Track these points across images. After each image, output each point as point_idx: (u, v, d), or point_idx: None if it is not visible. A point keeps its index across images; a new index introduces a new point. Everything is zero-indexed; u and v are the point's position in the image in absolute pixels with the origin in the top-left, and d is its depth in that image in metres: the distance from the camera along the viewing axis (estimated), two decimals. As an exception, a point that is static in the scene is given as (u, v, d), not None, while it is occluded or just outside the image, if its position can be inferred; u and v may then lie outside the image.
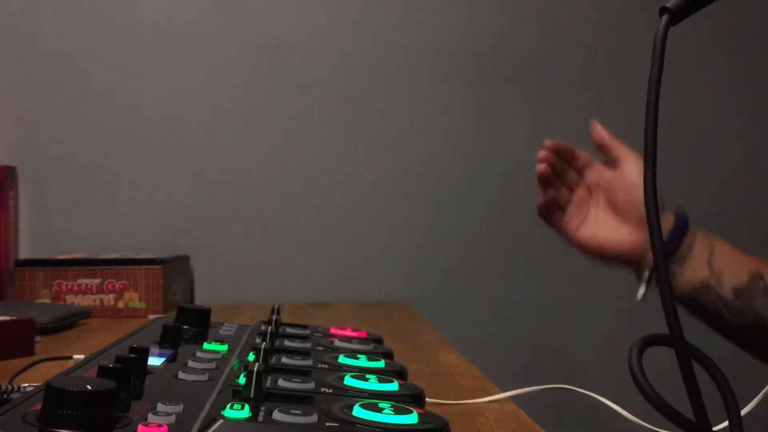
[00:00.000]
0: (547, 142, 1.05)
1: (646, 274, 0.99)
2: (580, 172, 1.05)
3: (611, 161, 1.03)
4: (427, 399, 0.63)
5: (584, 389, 0.94)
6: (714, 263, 0.97)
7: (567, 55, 1.88)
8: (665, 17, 0.57)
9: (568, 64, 1.88)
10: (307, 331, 0.85)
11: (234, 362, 0.68)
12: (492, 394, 0.86)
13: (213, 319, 0.86)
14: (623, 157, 1.02)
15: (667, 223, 0.99)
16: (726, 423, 0.52)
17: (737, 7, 1.90)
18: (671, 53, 0.59)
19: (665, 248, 0.95)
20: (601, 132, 1.05)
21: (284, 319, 0.86)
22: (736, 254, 0.98)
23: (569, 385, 0.95)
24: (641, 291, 0.98)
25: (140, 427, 0.46)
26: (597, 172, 1.03)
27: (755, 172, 1.88)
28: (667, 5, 0.57)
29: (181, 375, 0.61)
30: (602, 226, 1.01)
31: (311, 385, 0.59)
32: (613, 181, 1.01)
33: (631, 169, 1.01)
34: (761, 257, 0.98)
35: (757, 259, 0.97)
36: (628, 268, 1.02)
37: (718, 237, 0.99)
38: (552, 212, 1.04)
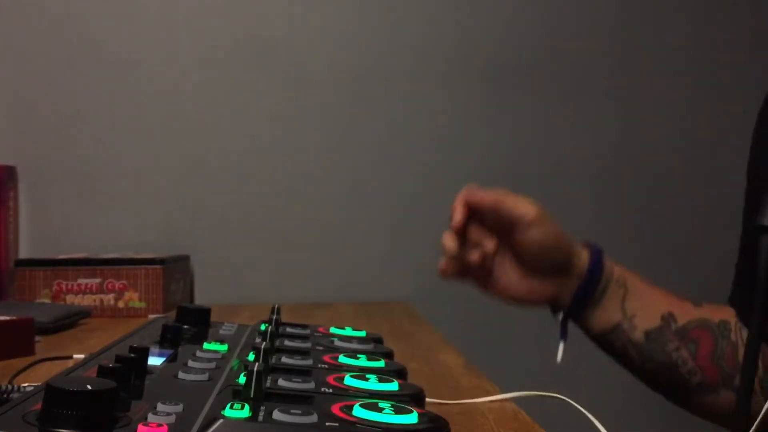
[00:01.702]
0: (462, 199, 0.98)
1: (560, 317, 0.97)
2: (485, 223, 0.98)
3: (505, 216, 0.95)
4: (427, 399, 0.63)
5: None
6: (627, 305, 0.94)
7: (567, 56, 1.88)
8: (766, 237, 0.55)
9: (568, 66, 1.88)
10: (307, 331, 0.85)
11: (234, 362, 0.68)
12: (492, 394, 0.86)
13: (213, 319, 0.86)
14: (513, 207, 0.94)
15: (582, 260, 0.95)
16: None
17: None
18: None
19: (579, 295, 0.94)
20: (478, 196, 0.97)
21: (284, 319, 0.86)
22: (649, 293, 0.95)
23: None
24: (560, 354, 0.98)
25: (140, 426, 0.46)
26: (498, 231, 0.97)
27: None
28: (765, 224, 0.56)
29: (181, 375, 0.61)
30: (511, 279, 0.97)
31: (311, 385, 0.59)
32: (516, 232, 0.94)
33: (526, 209, 0.94)
34: (675, 294, 0.95)
35: (671, 296, 0.95)
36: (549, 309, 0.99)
37: (631, 273, 0.96)
38: (459, 273, 0.99)
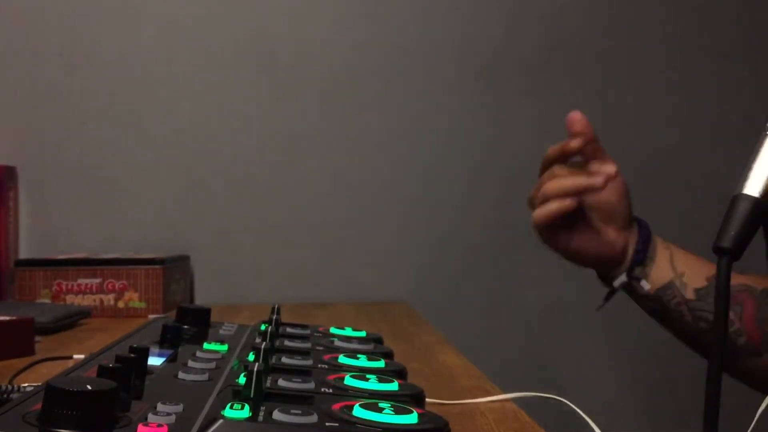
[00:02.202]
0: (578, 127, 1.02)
1: (622, 278, 0.99)
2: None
3: (589, 157, 1.01)
4: (427, 399, 0.63)
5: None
6: (676, 264, 0.98)
7: (566, 55, 1.88)
8: (725, 259, 0.56)
9: (567, 65, 1.88)
10: (307, 331, 0.85)
11: (234, 362, 0.68)
12: (492, 394, 0.86)
13: (213, 319, 0.86)
14: (604, 157, 1.01)
15: (633, 229, 1.01)
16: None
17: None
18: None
19: (637, 254, 0.99)
20: (585, 125, 1.03)
21: (284, 319, 0.86)
22: (693, 258, 1.00)
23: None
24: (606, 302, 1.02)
25: (140, 427, 0.46)
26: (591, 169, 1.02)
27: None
28: (723, 245, 0.56)
29: (181, 375, 0.61)
30: (588, 232, 1.01)
31: (311, 385, 0.59)
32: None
33: (615, 165, 1.02)
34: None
35: (712, 264, 0.97)
36: (602, 271, 1.02)
37: (673, 243, 1.02)
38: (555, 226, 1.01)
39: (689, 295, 0.97)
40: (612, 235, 1.01)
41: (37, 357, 1.02)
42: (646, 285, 1.00)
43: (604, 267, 1.03)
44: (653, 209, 1.88)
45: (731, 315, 0.94)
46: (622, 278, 1.01)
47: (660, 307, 1.00)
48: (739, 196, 0.57)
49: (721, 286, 0.55)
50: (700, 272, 0.98)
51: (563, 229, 1.01)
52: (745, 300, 0.95)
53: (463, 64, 1.86)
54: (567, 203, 0.98)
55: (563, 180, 0.99)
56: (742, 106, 1.89)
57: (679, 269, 0.98)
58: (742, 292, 0.95)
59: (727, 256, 0.56)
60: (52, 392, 0.45)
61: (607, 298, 1.04)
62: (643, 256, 1.00)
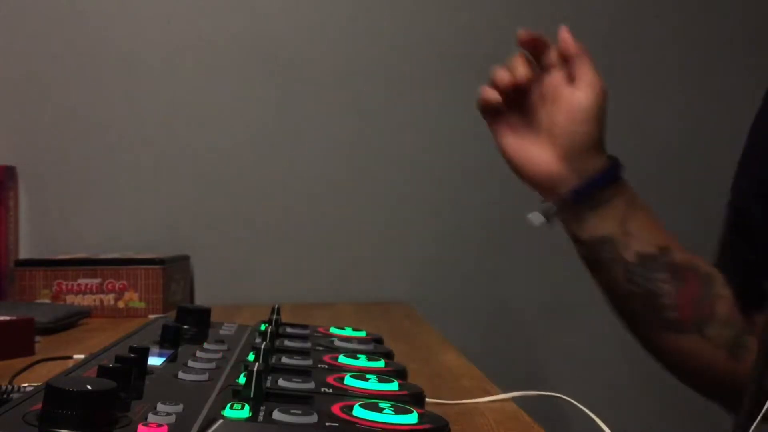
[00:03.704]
0: (524, 34, 1.00)
1: (551, 208, 0.94)
2: (543, 69, 0.98)
3: (568, 76, 0.96)
4: (427, 399, 0.63)
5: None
6: (627, 223, 0.92)
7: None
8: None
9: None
10: (307, 331, 0.85)
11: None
12: (492, 394, 0.86)
13: (213, 319, 0.86)
14: (582, 75, 0.96)
15: (597, 164, 0.93)
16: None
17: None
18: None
19: (583, 189, 0.92)
20: (568, 40, 0.99)
21: (284, 319, 0.86)
22: (652, 224, 0.94)
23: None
24: (536, 216, 0.94)
25: (140, 427, 0.46)
26: (553, 80, 0.97)
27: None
28: None
29: (181, 375, 0.61)
30: (530, 141, 0.96)
31: (311, 385, 0.59)
32: (562, 97, 0.95)
33: (584, 92, 0.95)
34: (674, 236, 0.94)
35: (672, 236, 0.94)
36: (539, 191, 0.97)
37: (642, 202, 0.94)
38: (495, 108, 0.98)
39: (629, 256, 0.91)
40: (546, 157, 0.94)
41: (37, 357, 1.02)
42: (537, 221, 0.94)
43: (541, 191, 0.97)
44: (655, 210, 1.89)
45: (669, 288, 0.90)
46: (538, 211, 0.95)
47: (589, 256, 0.94)
48: None
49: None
50: (653, 238, 0.92)
51: (509, 132, 0.98)
52: (690, 279, 0.91)
53: (463, 64, 1.86)
54: (487, 93, 0.98)
55: (503, 69, 0.97)
56: (743, 104, 1.89)
57: (628, 229, 0.91)
58: (689, 271, 0.92)
59: None
60: (52, 392, 0.45)
61: (554, 213, 0.96)
62: (579, 198, 0.93)
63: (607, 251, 0.92)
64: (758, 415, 0.56)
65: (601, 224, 0.92)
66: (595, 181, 0.92)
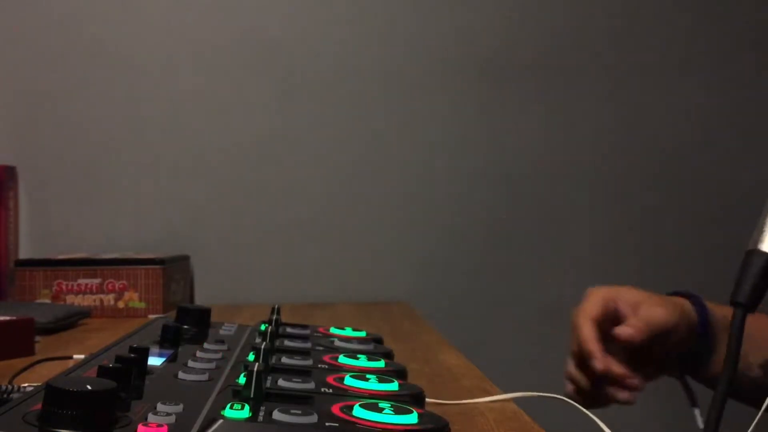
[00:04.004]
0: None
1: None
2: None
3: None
4: (427, 399, 0.63)
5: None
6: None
7: (567, 55, 1.88)
8: (740, 310, 0.60)
9: (568, 65, 1.88)
10: (307, 332, 0.85)
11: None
12: (492, 394, 0.86)
13: (213, 319, 0.86)
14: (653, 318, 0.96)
15: (690, 315, 0.96)
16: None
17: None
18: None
19: (695, 350, 0.96)
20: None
21: (284, 319, 0.86)
22: (754, 326, 0.93)
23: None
24: (698, 420, 0.97)
25: (140, 427, 0.46)
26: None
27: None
28: (738, 300, 0.61)
29: (181, 375, 0.61)
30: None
31: (311, 385, 0.59)
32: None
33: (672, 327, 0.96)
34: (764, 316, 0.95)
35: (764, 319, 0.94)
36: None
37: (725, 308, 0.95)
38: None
39: (755, 374, 0.94)
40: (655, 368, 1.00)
41: (37, 357, 1.02)
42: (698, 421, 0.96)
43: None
44: (656, 210, 1.89)
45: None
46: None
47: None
48: (753, 252, 0.62)
49: (734, 336, 0.60)
50: (761, 340, 0.94)
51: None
52: None
53: (463, 65, 1.86)
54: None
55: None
56: (748, 105, 1.89)
57: (745, 352, 0.94)
58: None
59: (742, 308, 0.61)
60: (52, 392, 0.45)
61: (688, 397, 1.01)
62: (697, 361, 0.98)
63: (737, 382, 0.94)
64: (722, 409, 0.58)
65: (719, 361, 0.94)
66: (702, 337, 0.96)
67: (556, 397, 0.86)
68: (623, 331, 0.93)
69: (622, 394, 0.94)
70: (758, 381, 0.93)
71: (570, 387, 0.98)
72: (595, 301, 0.96)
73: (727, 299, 0.97)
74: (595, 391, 0.96)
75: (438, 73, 1.85)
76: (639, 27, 1.91)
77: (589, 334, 0.94)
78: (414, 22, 1.86)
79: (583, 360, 0.95)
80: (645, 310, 0.94)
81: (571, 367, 0.98)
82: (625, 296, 0.97)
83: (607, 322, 0.95)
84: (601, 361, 0.92)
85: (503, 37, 1.87)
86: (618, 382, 0.93)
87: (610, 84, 1.89)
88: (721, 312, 0.96)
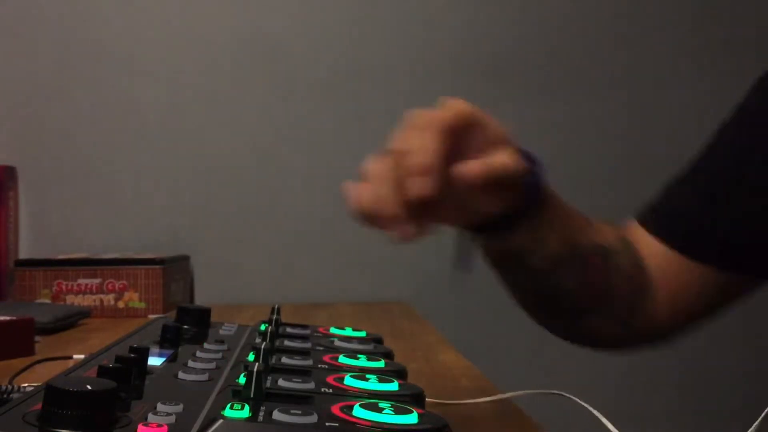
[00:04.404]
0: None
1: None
2: None
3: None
4: (427, 399, 0.63)
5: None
6: (538, 233, 0.81)
7: (569, 55, 1.88)
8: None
9: (570, 65, 1.88)
10: (307, 332, 0.85)
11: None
12: (492, 394, 0.86)
13: (213, 319, 0.86)
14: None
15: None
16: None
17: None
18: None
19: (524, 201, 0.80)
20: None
21: (284, 319, 0.86)
22: (564, 220, 0.84)
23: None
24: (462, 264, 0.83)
25: (140, 427, 0.46)
26: None
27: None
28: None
29: (181, 375, 0.61)
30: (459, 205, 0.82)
31: (311, 385, 0.59)
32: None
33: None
34: (585, 218, 0.87)
35: (582, 220, 0.86)
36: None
37: (554, 200, 0.84)
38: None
39: (536, 265, 0.83)
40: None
41: (37, 357, 1.02)
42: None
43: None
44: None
45: (572, 282, 0.83)
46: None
47: (493, 264, 0.86)
48: None
49: None
50: (563, 237, 0.83)
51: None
52: (596, 263, 0.84)
53: (465, 64, 1.86)
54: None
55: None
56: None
57: (539, 238, 0.81)
58: (597, 255, 0.84)
59: None
60: (52, 392, 0.45)
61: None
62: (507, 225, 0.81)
63: (516, 265, 0.85)
64: None
65: (511, 242, 0.83)
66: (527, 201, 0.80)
67: (556, 394, 0.86)
68: (471, 169, 0.72)
69: (407, 230, 0.74)
70: (536, 271, 0.83)
71: (363, 192, 0.76)
72: (458, 115, 0.77)
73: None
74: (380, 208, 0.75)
75: (440, 73, 1.85)
76: (645, 28, 1.91)
77: (435, 146, 0.71)
78: (416, 25, 1.86)
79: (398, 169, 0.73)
80: (500, 156, 0.76)
81: (378, 167, 0.76)
82: (492, 128, 0.79)
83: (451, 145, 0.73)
84: (432, 184, 0.69)
85: (506, 37, 1.87)
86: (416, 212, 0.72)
87: (613, 84, 1.89)
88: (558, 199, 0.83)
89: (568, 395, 0.84)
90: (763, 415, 0.69)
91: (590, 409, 0.77)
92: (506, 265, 0.87)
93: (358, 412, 0.52)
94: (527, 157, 0.82)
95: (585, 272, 0.84)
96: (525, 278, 0.86)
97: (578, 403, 0.81)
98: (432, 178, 0.70)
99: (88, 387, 0.46)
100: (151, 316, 1.49)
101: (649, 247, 0.90)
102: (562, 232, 0.83)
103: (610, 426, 0.73)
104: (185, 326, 0.80)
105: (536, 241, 0.82)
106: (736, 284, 0.87)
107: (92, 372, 0.53)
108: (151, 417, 0.48)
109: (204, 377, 0.61)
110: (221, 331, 0.84)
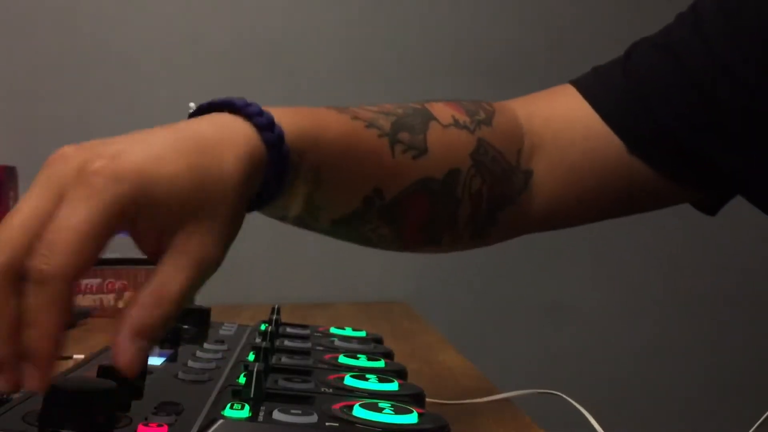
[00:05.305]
0: None
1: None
2: None
3: None
4: (427, 399, 0.63)
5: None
6: (315, 198, 0.73)
7: (570, 55, 1.88)
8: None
9: (570, 67, 1.88)
10: (307, 331, 0.85)
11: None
12: (492, 394, 0.86)
13: (213, 319, 0.86)
14: None
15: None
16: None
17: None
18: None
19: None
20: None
21: (284, 319, 0.86)
22: (351, 176, 0.74)
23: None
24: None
25: (140, 427, 0.46)
26: None
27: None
28: None
29: (181, 375, 0.61)
30: None
31: (311, 385, 0.59)
32: None
33: None
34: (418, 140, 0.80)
35: (385, 162, 0.76)
36: None
37: (335, 156, 0.72)
38: None
39: (321, 228, 0.79)
40: None
41: (37, 357, 1.02)
42: None
43: None
44: (657, 210, 1.89)
45: (385, 231, 0.77)
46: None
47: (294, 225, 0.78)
48: None
49: None
50: (352, 195, 0.74)
51: None
52: (415, 203, 0.77)
53: (465, 64, 1.86)
54: None
55: None
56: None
57: (317, 203, 0.73)
58: (415, 194, 0.76)
59: None
60: (52, 392, 0.45)
61: None
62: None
63: (297, 224, 0.79)
64: None
65: (280, 209, 0.76)
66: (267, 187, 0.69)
67: (555, 395, 0.86)
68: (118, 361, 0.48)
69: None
70: (323, 231, 0.78)
71: None
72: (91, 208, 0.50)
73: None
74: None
75: (440, 73, 1.86)
76: (645, 28, 1.91)
77: (63, 304, 0.50)
78: (416, 24, 1.86)
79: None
80: (177, 258, 0.54)
81: None
82: (160, 206, 0.53)
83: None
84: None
85: (506, 37, 1.87)
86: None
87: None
88: (311, 157, 0.70)
89: (564, 396, 0.84)
90: (761, 420, 0.69)
91: (582, 410, 0.77)
92: (305, 227, 0.78)
93: (358, 412, 0.52)
94: (261, 126, 0.65)
95: (404, 216, 0.76)
96: (336, 234, 0.79)
97: (570, 404, 0.81)
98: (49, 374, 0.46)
99: (88, 387, 0.46)
100: (151, 316, 1.48)
101: (573, 110, 0.87)
102: (347, 191, 0.73)
103: (597, 426, 0.73)
104: (185, 326, 0.80)
105: (309, 209, 0.73)
106: (638, 177, 0.82)
107: (92, 372, 0.53)
108: (151, 417, 0.48)
109: (204, 377, 0.61)
110: (221, 331, 0.84)
